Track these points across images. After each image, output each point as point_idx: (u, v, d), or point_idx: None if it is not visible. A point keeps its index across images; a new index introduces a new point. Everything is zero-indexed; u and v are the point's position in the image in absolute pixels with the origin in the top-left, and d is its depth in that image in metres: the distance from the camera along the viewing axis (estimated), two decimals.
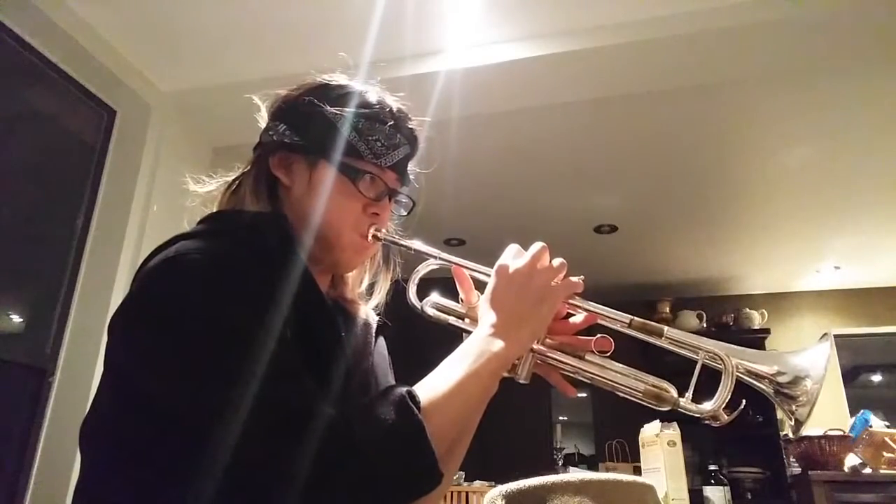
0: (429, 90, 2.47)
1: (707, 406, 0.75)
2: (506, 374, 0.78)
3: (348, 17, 2.31)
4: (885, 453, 3.28)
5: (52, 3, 2.27)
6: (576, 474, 0.99)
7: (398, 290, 0.96)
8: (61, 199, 2.58)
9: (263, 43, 2.49)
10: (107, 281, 2.48)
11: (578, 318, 0.84)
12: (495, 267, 0.81)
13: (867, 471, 3.29)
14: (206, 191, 0.90)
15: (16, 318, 2.50)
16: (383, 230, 0.88)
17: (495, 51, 2.48)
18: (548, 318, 0.79)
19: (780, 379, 0.76)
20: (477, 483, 3.22)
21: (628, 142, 3.13)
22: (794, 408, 0.74)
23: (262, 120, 0.92)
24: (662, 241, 4.32)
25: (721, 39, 2.33)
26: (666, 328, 0.80)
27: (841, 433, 3.43)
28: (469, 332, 0.83)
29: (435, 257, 0.89)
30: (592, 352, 0.82)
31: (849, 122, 2.90)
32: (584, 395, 4.75)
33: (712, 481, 2.19)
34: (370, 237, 0.86)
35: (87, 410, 0.76)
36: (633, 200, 3.78)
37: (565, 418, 6.26)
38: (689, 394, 0.76)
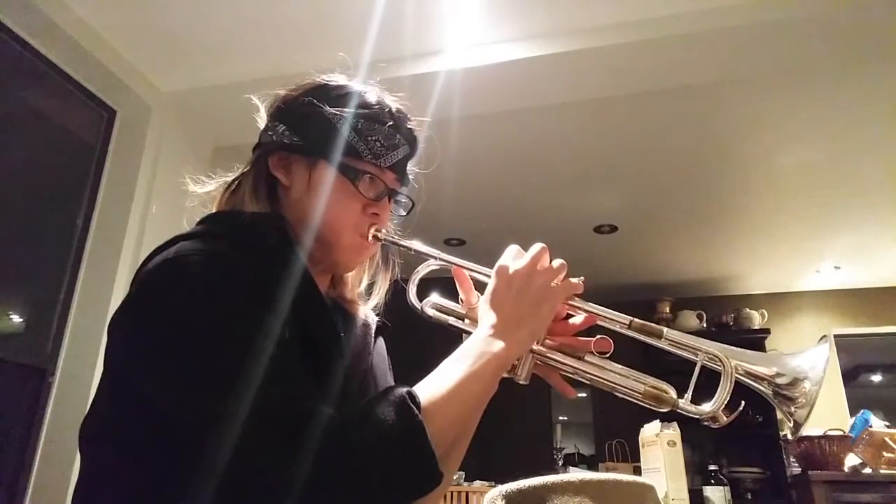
0: (429, 90, 2.47)
1: (706, 407, 0.75)
2: (506, 375, 0.78)
3: (348, 17, 2.31)
4: (885, 453, 3.28)
5: (52, 3, 2.27)
6: (576, 474, 0.99)
7: (398, 290, 0.96)
8: (61, 199, 2.58)
9: (263, 43, 2.49)
10: (107, 281, 2.48)
11: (578, 319, 0.84)
12: (495, 268, 0.81)
13: (867, 471, 3.29)
14: (205, 191, 0.90)
15: (16, 318, 2.50)
16: (383, 230, 0.88)
17: (495, 51, 2.48)
18: (547, 318, 0.79)
19: (779, 380, 0.76)
20: (477, 483, 3.22)
21: (628, 142, 3.13)
22: (792, 409, 0.74)
23: (262, 120, 0.92)
24: (662, 241, 4.32)
25: (721, 39, 2.33)
26: (665, 329, 0.80)
27: (841, 433, 3.43)
28: (469, 333, 0.83)
29: (435, 258, 0.89)
30: (592, 353, 0.82)
31: (849, 122, 2.90)
32: (584, 395, 4.75)
33: (712, 481, 2.19)
34: (370, 237, 0.86)
35: (86, 410, 0.76)
36: (633, 200, 3.78)
37: (565, 418, 6.26)
38: (689, 395, 0.76)
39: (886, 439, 3.31)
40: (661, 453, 1.54)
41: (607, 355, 0.82)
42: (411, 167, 0.92)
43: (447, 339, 0.85)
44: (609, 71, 2.52)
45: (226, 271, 0.70)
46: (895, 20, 2.19)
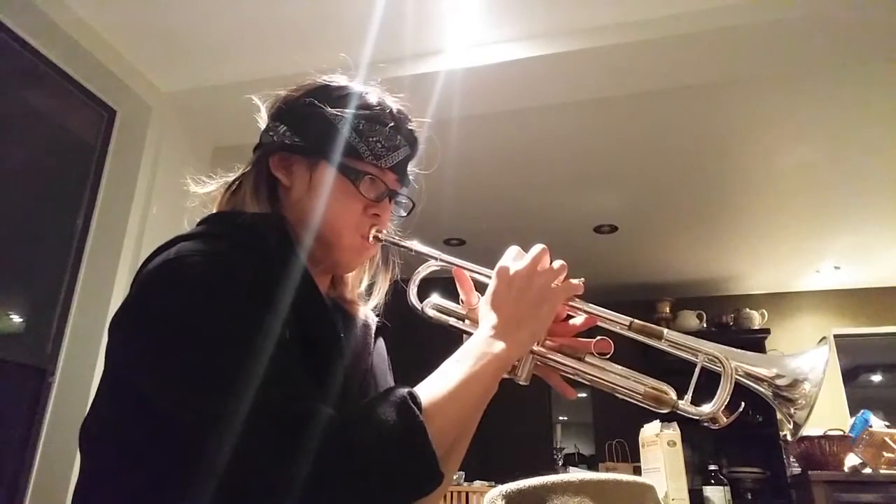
0: (429, 90, 2.47)
1: (706, 408, 0.75)
2: (506, 376, 0.78)
3: (348, 17, 2.31)
4: (885, 453, 3.28)
5: (52, 3, 2.27)
6: (576, 474, 0.99)
7: (398, 290, 0.96)
8: (61, 199, 2.58)
9: (263, 43, 2.49)
10: (107, 281, 2.48)
11: (578, 320, 0.84)
12: (496, 269, 0.81)
13: (867, 471, 3.29)
14: (205, 191, 0.90)
15: (16, 318, 2.50)
16: (383, 231, 0.88)
17: (495, 51, 2.48)
18: (548, 319, 0.79)
19: (779, 382, 0.76)
20: (477, 483, 3.22)
21: (628, 142, 3.13)
22: (792, 411, 0.74)
23: (262, 120, 0.92)
24: (662, 241, 4.32)
25: (721, 39, 2.33)
26: (665, 330, 0.80)
27: (841, 433, 3.43)
28: (469, 334, 0.83)
29: (435, 258, 0.89)
30: (592, 354, 0.82)
31: (849, 122, 2.90)
32: (584, 395, 4.75)
33: (712, 481, 2.19)
34: (371, 238, 0.87)
35: (86, 411, 0.76)
36: (633, 200, 3.78)
37: (565, 418, 6.27)
38: (689, 396, 0.76)
39: (886, 439, 3.31)
40: (661, 453, 1.54)
41: (607, 356, 0.82)
42: (412, 168, 0.92)
43: (447, 339, 0.85)
44: (609, 71, 2.52)
45: (226, 271, 0.71)
46: (894, 20, 2.19)
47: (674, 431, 1.57)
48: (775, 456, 4.26)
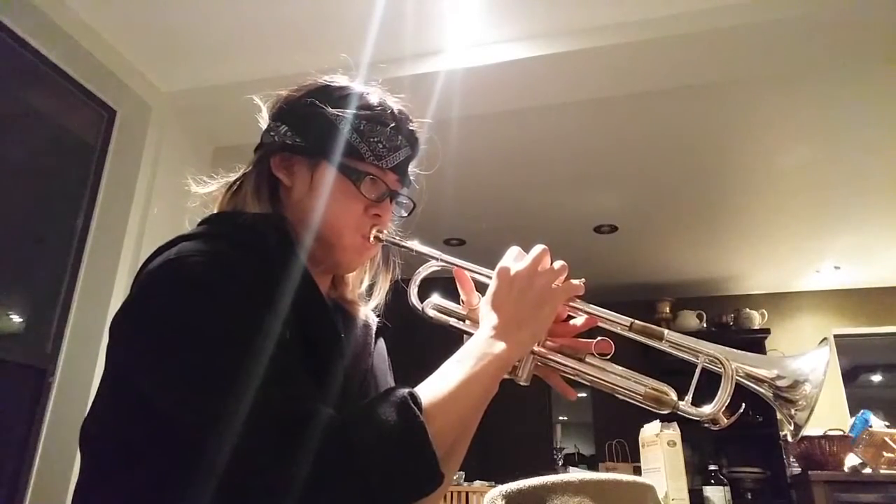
0: (429, 90, 2.47)
1: (707, 409, 0.75)
2: (506, 376, 0.78)
3: (348, 17, 2.31)
4: (885, 453, 3.28)
5: (52, 3, 2.27)
6: (576, 474, 0.99)
7: (399, 291, 0.96)
8: (61, 199, 2.58)
9: (263, 43, 2.49)
10: (107, 281, 2.48)
11: (579, 320, 0.84)
12: (496, 269, 0.81)
13: (867, 471, 3.29)
14: (207, 191, 0.90)
15: (16, 318, 2.50)
16: (384, 231, 0.88)
17: (495, 51, 2.48)
18: (548, 320, 0.79)
19: (780, 383, 0.76)
20: (477, 483, 3.22)
21: (628, 142, 3.13)
22: (793, 412, 0.74)
23: (263, 121, 0.92)
24: (662, 241, 4.32)
25: (721, 39, 2.33)
26: (666, 331, 0.80)
27: (841, 433, 3.43)
28: (470, 334, 0.83)
29: (436, 259, 0.89)
30: (593, 354, 0.82)
31: (849, 122, 2.90)
32: (584, 395, 4.75)
33: (712, 481, 2.19)
34: (371, 238, 0.87)
35: (86, 411, 0.77)
36: (633, 200, 3.78)
37: (565, 418, 6.27)
38: (689, 397, 0.76)
39: (886, 439, 3.31)
40: (661, 453, 1.54)
41: (608, 357, 0.82)
42: (412, 168, 0.92)
43: (448, 340, 0.85)
44: (609, 71, 2.52)
45: (226, 272, 0.71)
46: (894, 20, 2.19)
47: (674, 431, 1.57)
48: (775, 456, 4.26)
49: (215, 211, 0.88)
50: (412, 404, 0.65)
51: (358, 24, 2.29)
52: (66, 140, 2.66)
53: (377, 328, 0.97)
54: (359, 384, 0.87)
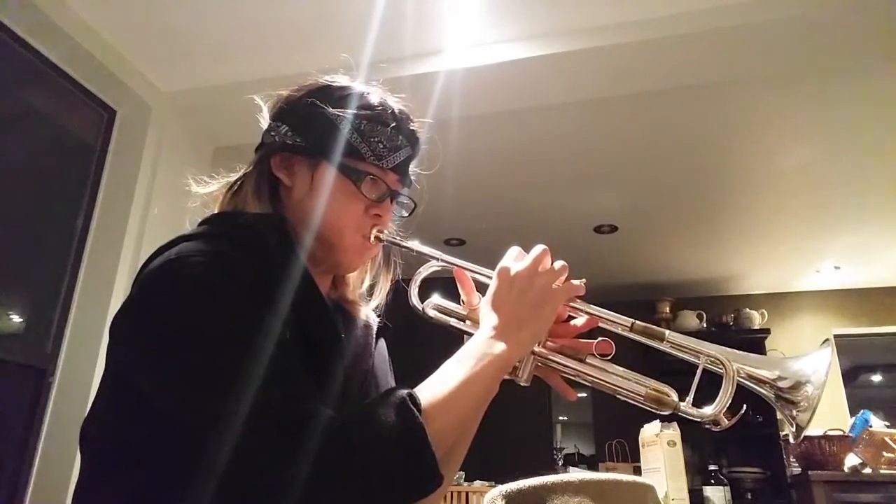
0: (429, 90, 2.47)
1: (708, 410, 0.75)
2: (507, 377, 0.78)
3: (348, 17, 2.31)
4: (885, 453, 3.28)
5: (52, 3, 2.27)
6: (576, 474, 0.98)
7: (399, 291, 0.96)
8: (61, 199, 2.58)
9: (263, 43, 2.49)
10: (107, 281, 2.48)
11: (580, 321, 0.84)
12: (496, 269, 0.81)
13: (867, 471, 3.29)
14: (207, 191, 0.90)
15: (16, 318, 2.50)
16: (385, 231, 0.88)
17: (495, 51, 2.48)
18: (549, 320, 0.79)
19: (781, 384, 0.75)
20: (477, 483, 3.22)
21: (628, 142, 3.13)
22: (794, 413, 0.74)
23: (264, 121, 0.92)
24: (662, 241, 4.32)
25: (721, 39, 2.33)
26: (667, 332, 0.80)
27: (841, 433, 3.43)
28: (470, 334, 0.83)
29: (436, 259, 0.89)
30: (593, 355, 0.82)
31: (849, 123, 2.90)
32: (584, 395, 4.76)
33: (712, 481, 2.19)
34: (372, 238, 0.86)
35: (86, 411, 0.76)
36: (633, 200, 3.78)
37: (565, 418, 6.27)
38: (690, 398, 0.76)
39: (886, 439, 3.31)
40: (661, 453, 1.54)
41: (609, 358, 0.81)
42: (413, 168, 0.92)
43: (449, 340, 0.85)
44: (609, 71, 2.52)
45: (226, 272, 0.71)
46: (894, 20, 2.19)
47: (674, 431, 1.57)
48: (775, 456, 4.26)
49: (216, 211, 0.88)
50: (411, 405, 0.65)
51: (358, 24, 2.29)
52: (66, 140, 2.66)
53: (378, 328, 0.97)
54: (359, 384, 0.87)
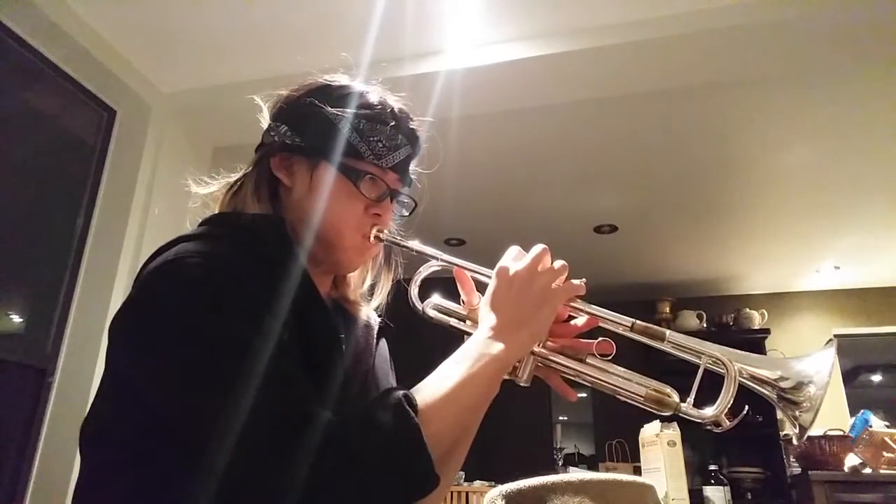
0: (429, 90, 2.47)
1: (709, 411, 0.74)
2: (506, 377, 0.77)
3: (348, 17, 2.31)
4: (885, 453, 3.28)
5: (52, 3, 2.27)
6: (576, 474, 0.98)
7: (400, 291, 0.96)
8: (61, 199, 2.58)
9: (263, 43, 2.49)
10: (107, 281, 2.48)
11: (580, 321, 0.83)
12: (496, 269, 0.81)
13: (867, 471, 3.29)
14: (208, 192, 0.90)
15: (16, 318, 2.50)
16: (385, 231, 0.87)
17: (495, 51, 2.48)
18: (548, 320, 0.79)
19: (783, 384, 0.75)
20: (477, 483, 3.22)
21: (628, 142, 3.13)
22: (797, 413, 0.73)
23: (264, 120, 0.91)
24: (662, 241, 4.32)
25: (721, 39, 2.33)
26: (668, 332, 0.79)
27: (841, 433, 3.43)
28: (470, 334, 0.82)
29: (436, 258, 0.89)
30: (594, 355, 0.81)
31: (849, 122, 2.90)
32: (584, 395, 4.75)
33: (712, 481, 2.19)
34: (372, 238, 0.86)
35: (86, 411, 0.76)
36: (633, 200, 3.78)
37: (565, 418, 6.27)
38: (691, 399, 0.75)
39: (886, 439, 3.31)
40: (661, 453, 1.54)
41: (609, 358, 0.81)
42: (413, 167, 0.92)
43: (449, 340, 0.85)
44: (609, 71, 2.52)
45: (225, 273, 0.70)
46: (895, 20, 2.19)
47: (674, 431, 1.57)
48: (775, 456, 4.26)
49: (216, 211, 0.88)
50: (407, 406, 0.65)
51: (358, 24, 2.29)
52: (66, 140, 2.66)
53: (379, 328, 0.96)
54: (360, 385, 0.86)
